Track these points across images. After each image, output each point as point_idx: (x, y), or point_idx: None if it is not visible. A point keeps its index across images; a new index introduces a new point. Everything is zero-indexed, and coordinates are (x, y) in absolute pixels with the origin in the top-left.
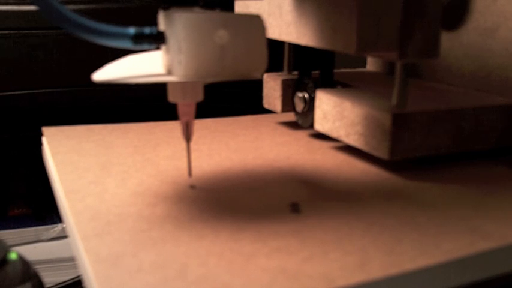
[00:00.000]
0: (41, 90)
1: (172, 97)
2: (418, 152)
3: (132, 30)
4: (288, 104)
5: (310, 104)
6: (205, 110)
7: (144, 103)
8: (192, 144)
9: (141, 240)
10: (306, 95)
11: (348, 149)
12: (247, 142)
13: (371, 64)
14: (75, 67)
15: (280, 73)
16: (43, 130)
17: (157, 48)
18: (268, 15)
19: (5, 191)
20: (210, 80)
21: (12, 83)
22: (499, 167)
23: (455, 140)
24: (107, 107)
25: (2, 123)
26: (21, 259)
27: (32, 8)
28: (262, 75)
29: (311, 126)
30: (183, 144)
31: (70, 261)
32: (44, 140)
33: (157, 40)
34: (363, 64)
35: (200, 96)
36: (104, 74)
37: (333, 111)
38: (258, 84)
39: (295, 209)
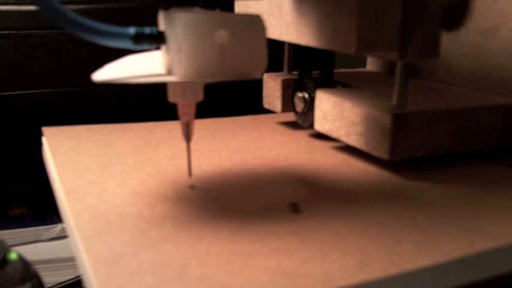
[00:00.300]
0: (41, 90)
1: (172, 97)
2: (418, 152)
3: (132, 30)
4: (288, 104)
5: (310, 104)
6: (205, 110)
7: (144, 103)
8: (192, 144)
9: (140, 240)
10: (306, 95)
11: (348, 149)
12: (247, 142)
13: (371, 64)
14: (75, 67)
15: (280, 73)
16: (43, 130)
17: (157, 48)
18: (268, 15)
19: (5, 191)
20: (210, 80)
21: (12, 83)
22: (499, 167)
23: (455, 140)
24: (107, 107)
25: (2, 123)
26: (21, 259)
27: (32, 8)
28: (262, 75)
29: (311, 126)
30: (183, 144)
31: (70, 261)
32: (44, 140)
33: (157, 40)
34: (363, 64)
35: (200, 96)
36: (104, 74)
37: (333, 111)
38: (258, 84)
39: (295, 209)
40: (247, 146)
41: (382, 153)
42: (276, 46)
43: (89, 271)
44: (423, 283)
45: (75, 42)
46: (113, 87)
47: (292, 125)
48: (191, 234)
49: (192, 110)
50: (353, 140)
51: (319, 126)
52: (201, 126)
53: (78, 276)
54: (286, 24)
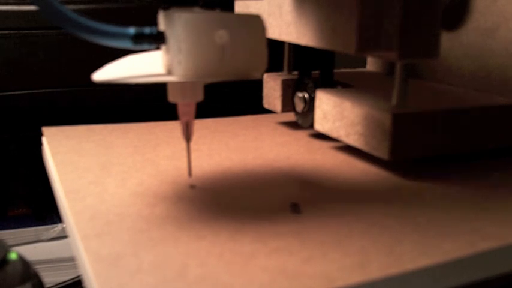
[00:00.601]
0: (41, 90)
1: (172, 97)
2: (418, 152)
3: (132, 30)
4: (288, 104)
5: (310, 104)
6: (205, 110)
7: (144, 103)
8: (192, 144)
9: (140, 240)
10: (306, 95)
11: (348, 149)
12: (247, 142)
13: (371, 64)
14: (75, 67)
15: (280, 73)
16: (43, 130)
17: (157, 48)
18: (268, 15)
19: (5, 191)
20: (210, 80)
21: (12, 83)
22: (499, 167)
23: (455, 140)
24: (107, 107)
25: (2, 123)
26: (21, 259)
27: (32, 8)
28: (262, 75)
29: (311, 126)
30: (183, 144)
31: (70, 261)
32: (44, 140)
33: (157, 40)
34: (363, 64)
35: (200, 96)
36: (104, 74)
37: (333, 111)
38: (258, 84)
39: (295, 209)
40: (247, 146)
41: (382, 153)
42: (276, 46)
43: (89, 271)
44: (423, 283)
45: (75, 42)
46: (113, 87)
47: (292, 125)
48: (191, 234)
49: (192, 110)
50: (353, 140)
51: (319, 126)
52: (201, 126)
53: (78, 276)
54: (286, 24)
